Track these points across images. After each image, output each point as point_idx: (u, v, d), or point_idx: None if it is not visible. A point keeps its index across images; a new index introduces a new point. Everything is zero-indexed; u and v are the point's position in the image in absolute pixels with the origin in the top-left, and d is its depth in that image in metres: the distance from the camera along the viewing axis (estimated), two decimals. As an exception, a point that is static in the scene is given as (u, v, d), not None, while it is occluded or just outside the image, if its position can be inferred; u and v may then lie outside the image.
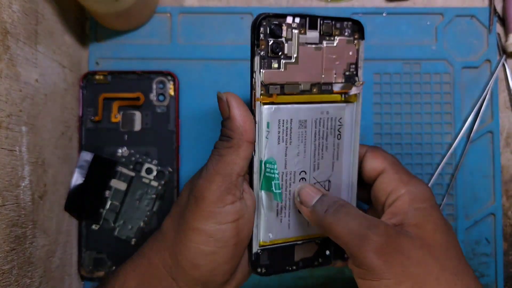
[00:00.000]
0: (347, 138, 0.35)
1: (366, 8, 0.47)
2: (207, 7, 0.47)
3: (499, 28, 0.47)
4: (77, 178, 0.43)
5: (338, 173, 0.35)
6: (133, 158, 0.45)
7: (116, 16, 0.42)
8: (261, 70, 0.31)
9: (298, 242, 0.34)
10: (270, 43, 0.31)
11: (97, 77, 0.45)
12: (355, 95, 0.34)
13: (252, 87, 0.31)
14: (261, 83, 0.31)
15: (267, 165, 0.32)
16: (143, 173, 0.45)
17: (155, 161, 0.45)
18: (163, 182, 0.45)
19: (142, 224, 0.45)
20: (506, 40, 0.46)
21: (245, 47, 0.46)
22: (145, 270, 0.33)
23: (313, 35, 0.32)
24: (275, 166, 0.32)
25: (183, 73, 0.46)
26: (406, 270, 0.29)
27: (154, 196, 0.45)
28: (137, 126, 0.45)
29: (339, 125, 0.34)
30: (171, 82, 0.45)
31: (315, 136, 0.33)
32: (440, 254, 0.30)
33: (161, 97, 0.45)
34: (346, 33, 0.33)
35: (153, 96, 0.45)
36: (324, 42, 0.32)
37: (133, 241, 0.45)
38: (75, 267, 0.44)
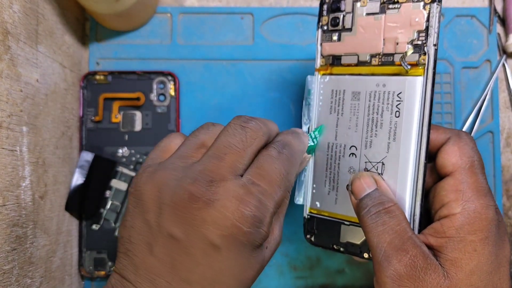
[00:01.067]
0: (408, 117, 0.30)
1: (366, 8, 0.47)
2: (207, 7, 0.47)
3: (499, 28, 0.47)
4: (77, 178, 0.43)
5: (395, 156, 0.31)
6: (133, 158, 0.45)
7: (116, 16, 0.42)
8: (321, 43, 0.34)
9: (345, 222, 0.33)
10: (330, 18, 0.33)
11: (97, 77, 0.45)
12: (422, 67, 0.29)
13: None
14: (320, 54, 0.34)
15: (315, 133, 0.34)
16: (143, 173, 0.45)
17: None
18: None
19: (142, 224, 0.45)
20: (506, 40, 0.46)
21: (245, 47, 0.47)
22: None
23: (373, 5, 0.32)
24: (318, 133, 0.34)
25: (183, 73, 0.46)
26: None
27: (154, 196, 0.45)
28: (138, 126, 0.45)
29: (398, 100, 0.30)
30: (172, 82, 0.45)
31: (368, 110, 0.32)
32: None
33: (161, 97, 0.46)
34: None
35: (153, 96, 0.45)
36: (387, 11, 0.31)
37: (133, 241, 0.45)
38: (75, 267, 0.44)
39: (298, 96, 0.46)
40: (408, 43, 0.30)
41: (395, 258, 0.27)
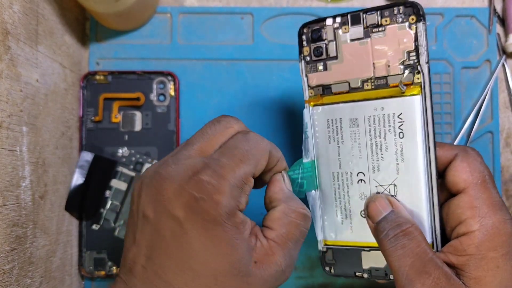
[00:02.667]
0: (412, 136, 0.30)
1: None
2: (207, 7, 0.47)
3: (499, 28, 0.47)
4: (77, 178, 0.43)
5: (406, 176, 0.31)
6: (133, 158, 0.45)
7: (116, 16, 0.42)
8: (307, 74, 0.33)
9: (365, 249, 0.33)
10: (312, 48, 0.32)
11: (97, 77, 0.45)
12: (419, 86, 0.30)
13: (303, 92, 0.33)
14: (308, 86, 0.33)
15: (307, 167, 0.33)
16: (143, 173, 0.45)
17: (155, 161, 0.45)
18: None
19: (142, 224, 0.45)
20: (506, 40, 0.46)
21: (245, 47, 0.47)
22: None
23: (356, 30, 0.31)
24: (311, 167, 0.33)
25: (183, 73, 0.46)
26: None
27: (154, 196, 0.45)
28: (138, 126, 0.45)
29: (399, 122, 0.30)
30: (172, 82, 0.45)
31: (370, 135, 0.31)
32: None
33: (161, 97, 0.46)
34: (398, 20, 0.30)
35: (153, 96, 0.45)
36: (371, 35, 0.31)
37: (133, 241, 0.45)
38: (75, 267, 0.44)
39: (298, 96, 0.46)
40: (399, 64, 0.30)
41: (418, 282, 0.27)
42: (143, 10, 0.44)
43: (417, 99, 0.30)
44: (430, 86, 0.30)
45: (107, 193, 0.45)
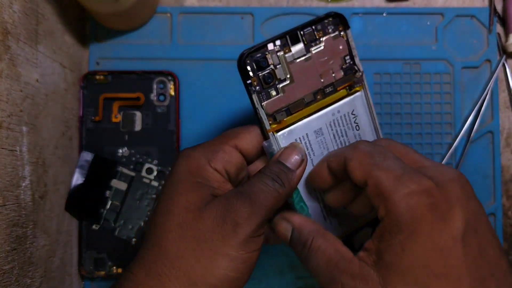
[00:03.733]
0: (365, 124, 0.34)
1: (366, 8, 0.47)
2: (207, 7, 0.47)
3: (499, 28, 0.47)
4: (77, 178, 0.43)
5: None
6: (133, 158, 0.45)
7: (116, 16, 0.42)
8: (262, 104, 0.31)
9: (349, 234, 0.35)
10: (260, 76, 0.31)
11: (97, 77, 0.45)
12: (361, 83, 0.34)
13: (260, 121, 0.32)
14: (266, 115, 0.31)
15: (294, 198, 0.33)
16: (143, 173, 0.45)
17: (155, 161, 0.45)
18: (163, 182, 0.45)
19: (142, 224, 0.45)
20: (506, 40, 0.46)
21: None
22: None
23: (298, 48, 0.32)
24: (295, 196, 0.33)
25: (183, 73, 0.46)
26: None
27: (154, 196, 0.45)
28: (138, 126, 0.45)
29: (353, 117, 0.34)
30: (172, 82, 0.45)
31: (334, 138, 0.34)
32: None
33: (161, 97, 0.46)
34: (330, 31, 0.33)
35: (153, 96, 0.45)
36: (312, 50, 0.32)
37: (133, 241, 0.45)
38: (75, 267, 0.44)
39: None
40: (340, 69, 0.33)
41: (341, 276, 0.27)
42: (143, 10, 0.44)
43: (361, 94, 0.34)
44: (366, 81, 0.34)
45: (107, 193, 0.45)
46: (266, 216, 0.29)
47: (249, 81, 0.31)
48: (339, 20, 0.33)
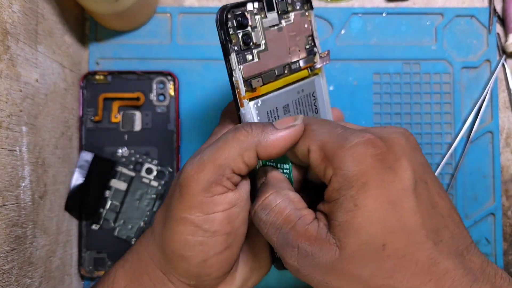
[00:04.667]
0: (322, 110, 0.34)
1: (366, 8, 0.47)
2: (207, 7, 0.47)
3: (499, 28, 0.47)
4: (77, 178, 0.43)
5: None
6: (133, 158, 0.45)
7: (116, 16, 0.42)
8: (239, 66, 0.29)
9: None
10: (240, 36, 0.29)
11: (97, 77, 0.45)
12: (319, 69, 0.33)
13: (234, 86, 0.30)
14: (243, 79, 0.29)
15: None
16: (143, 173, 0.45)
17: (155, 161, 0.45)
18: (163, 182, 0.45)
19: (142, 224, 0.45)
20: (506, 40, 0.46)
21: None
22: (135, 266, 0.31)
23: (273, 16, 0.31)
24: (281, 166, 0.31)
25: (183, 73, 0.46)
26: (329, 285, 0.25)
27: (154, 196, 0.45)
28: (137, 126, 0.45)
29: (313, 99, 0.33)
30: (171, 82, 0.45)
31: None
32: (368, 260, 0.24)
33: (161, 97, 0.46)
34: (297, 7, 0.32)
35: (153, 96, 0.45)
36: (283, 22, 0.31)
37: (133, 241, 0.45)
38: (75, 267, 0.44)
39: (298, 96, 0.46)
40: (305, 48, 0.32)
41: (287, 256, 0.26)
42: (143, 10, 0.44)
43: (320, 77, 0.33)
44: (323, 66, 0.33)
45: (107, 193, 0.45)
46: (214, 174, 0.27)
47: (228, 38, 0.29)
48: (306, 0, 0.32)
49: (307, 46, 0.32)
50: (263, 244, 0.31)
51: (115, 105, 0.45)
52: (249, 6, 0.30)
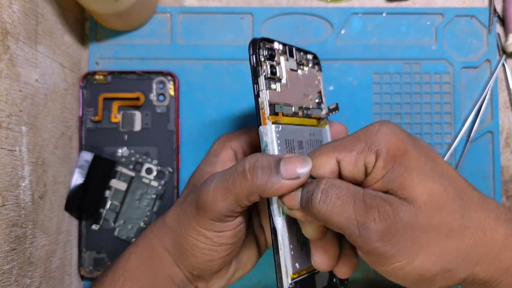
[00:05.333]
0: None
1: (366, 8, 0.47)
2: (207, 7, 0.47)
3: (499, 28, 0.47)
4: (77, 178, 0.43)
5: None
6: (133, 158, 0.45)
7: (116, 16, 0.42)
8: (266, 90, 0.31)
9: (315, 271, 0.33)
10: (268, 65, 0.32)
11: (97, 77, 0.45)
12: (325, 121, 0.36)
13: (260, 107, 0.31)
14: (268, 101, 0.31)
15: None
16: (143, 173, 0.45)
17: (155, 161, 0.45)
18: (163, 182, 0.45)
19: (142, 224, 0.45)
20: (506, 40, 0.46)
21: (245, 47, 0.46)
22: (146, 249, 0.35)
23: (293, 62, 0.34)
24: None
25: (183, 73, 0.46)
26: (415, 243, 0.27)
27: (154, 196, 0.45)
28: (137, 126, 0.45)
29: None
30: (171, 82, 0.45)
31: None
32: (440, 205, 0.27)
33: (161, 97, 0.45)
34: (310, 64, 0.36)
35: (153, 96, 0.45)
36: (299, 70, 0.35)
37: (133, 241, 0.45)
38: (75, 267, 0.44)
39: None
40: (315, 100, 0.36)
41: (370, 221, 0.27)
42: (142, 10, 0.44)
43: (327, 130, 0.37)
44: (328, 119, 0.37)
45: (107, 193, 0.45)
46: (232, 205, 0.31)
47: (259, 63, 0.31)
48: (316, 61, 0.37)
49: (317, 100, 0.36)
50: (252, 245, 0.37)
51: (115, 105, 0.45)
52: (276, 45, 0.33)
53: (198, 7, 0.47)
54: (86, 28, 0.47)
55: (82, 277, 0.45)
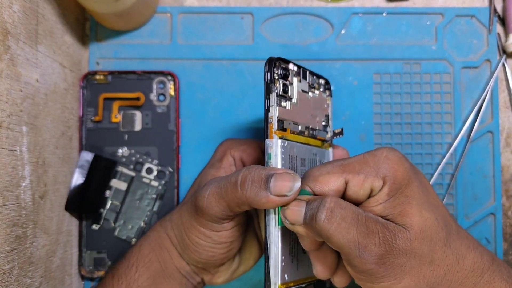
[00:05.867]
0: None
1: (366, 8, 0.47)
2: (207, 7, 0.47)
3: (499, 28, 0.47)
4: (77, 178, 0.43)
5: None
6: (133, 158, 0.45)
7: (116, 16, 0.42)
8: (276, 106, 0.33)
9: (302, 285, 0.34)
10: (281, 83, 0.33)
11: (97, 77, 0.45)
12: (329, 143, 0.38)
13: (268, 121, 0.33)
14: (277, 117, 0.33)
15: None
16: (143, 173, 0.45)
17: (155, 161, 0.45)
18: (163, 182, 0.45)
19: (142, 224, 0.45)
20: (506, 40, 0.46)
21: (245, 47, 0.47)
22: (155, 241, 0.39)
23: (305, 84, 0.36)
24: None
25: (183, 73, 0.46)
26: (405, 267, 0.29)
27: (154, 196, 0.45)
28: (138, 126, 0.45)
29: None
30: (171, 82, 0.45)
31: None
32: (431, 233, 0.30)
33: (161, 97, 0.46)
34: (321, 89, 0.38)
35: (153, 96, 0.45)
36: (310, 93, 0.37)
37: (133, 241, 0.45)
38: (75, 267, 0.44)
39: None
40: (322, 122, 0.38)
41: (371, 245, 0.28)
42: (143, 10, 0.44)
43: (331, 151, 0.39)
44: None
45: (107, 193, 0.45)
46: (227, 209, 0.33)
47: (273, 80, 0.33)
48: (328, 86, 0.39)
49: (324, 123, 0.38)
50: (253, 242, 0.40)
51: (115, 105, 0.45)
52: (291, 66, 0.35)
53: (198, 7, 0.47)
54: (86, 28, 0.47)
55: (83, 277, 0.45)
